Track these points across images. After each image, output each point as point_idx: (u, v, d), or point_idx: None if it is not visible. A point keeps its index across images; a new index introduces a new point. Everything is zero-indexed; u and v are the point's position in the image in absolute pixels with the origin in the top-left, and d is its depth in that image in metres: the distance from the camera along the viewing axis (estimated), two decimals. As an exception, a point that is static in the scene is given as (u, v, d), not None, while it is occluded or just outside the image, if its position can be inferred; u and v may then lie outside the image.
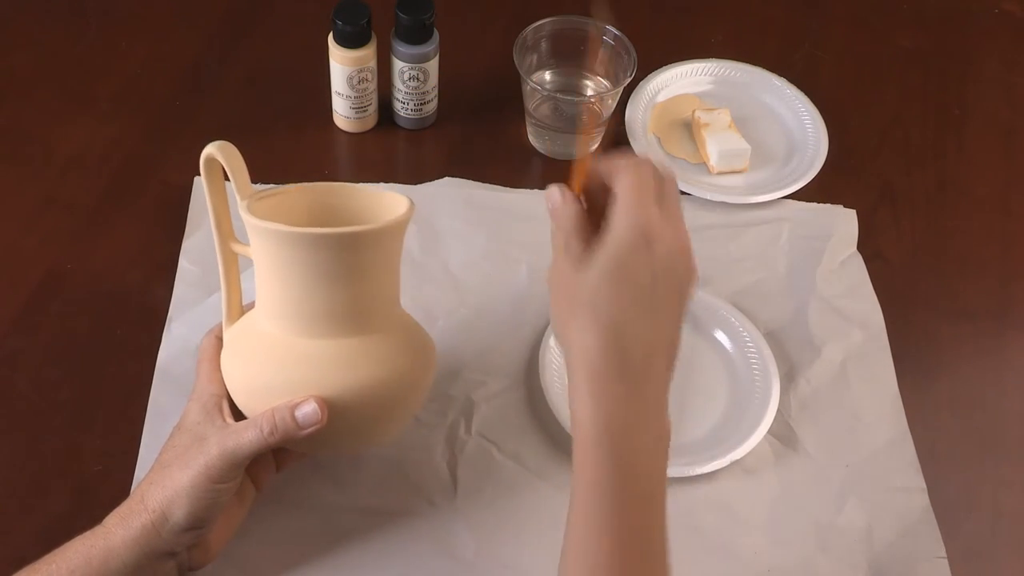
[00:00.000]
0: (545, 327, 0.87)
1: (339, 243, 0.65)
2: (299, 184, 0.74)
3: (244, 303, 0.75)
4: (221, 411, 0.68)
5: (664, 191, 0.64)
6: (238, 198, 0.68)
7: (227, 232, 0.72)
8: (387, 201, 0.73)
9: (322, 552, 0.75)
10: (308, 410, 0.64)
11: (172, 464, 0.66)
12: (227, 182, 0.71)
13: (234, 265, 0.73)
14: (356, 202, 0.74)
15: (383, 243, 0.68)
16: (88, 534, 0.65)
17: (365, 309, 0.68)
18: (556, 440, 0.82)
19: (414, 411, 0.73)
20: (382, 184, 0.97)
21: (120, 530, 0.65)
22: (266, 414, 0.65)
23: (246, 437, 0.65)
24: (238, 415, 0.69)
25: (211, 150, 0.68)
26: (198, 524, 0.65)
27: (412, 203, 0.70)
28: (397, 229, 0.69)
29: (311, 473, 0.78)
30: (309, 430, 0.64)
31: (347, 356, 0.67)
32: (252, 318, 0.71)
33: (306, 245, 0.65)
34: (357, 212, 0.73)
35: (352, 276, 0.66)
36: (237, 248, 0.72)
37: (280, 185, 0.74)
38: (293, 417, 0.64)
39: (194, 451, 0.66)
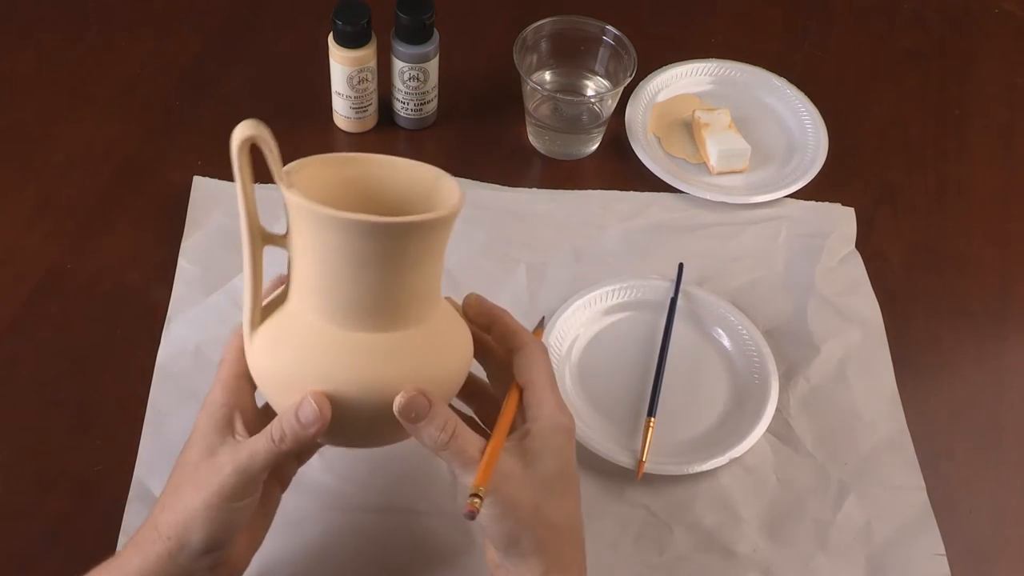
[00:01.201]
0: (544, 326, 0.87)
1: (414, 230, 0.61)
2: (325, 156, 0.68)
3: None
4: (231, 424, 0.64)
5: None
6: (282, 186, 0.62)
7: (256, 222, 0.65)
8: (421, 173, 0.68)
9: (323, 550, 0.75)
10: (307, 409, 0.60)
11: (184, 485, 0.62)
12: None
13: (261, 260, 0.65)
14: (392, 173, 0.68)
15: (445, 229, 0.64)
16: (104, 565, 0.63)
17: (413, 300, 0.64)
18: (556, 439, 0.82)
19: (454, 395, 0.69)
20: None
21: (136, 559, 0.62)
22: (275, 422, 0.61)
23: (259, 449, 0.61)
24: (252, 427, 0.64)
25: (250, 131, 0.62)
26: (216, 547, 0.62)
27: (462, 192, 0.65)
28: (450, 219, 0.64)
29: (313, 472, 0.78)
30: (313, 429, 0.60)
31: (410, 347, 0.63)
32: (289, 314, 0.65)
33: (373, 233, 0.60)
34: (397, 185, 0.68)
35: (412, 265, 0.63)
36: (269, 240, 0.65)
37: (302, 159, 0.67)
38: (297, 419, 0.60)
39: (205, 470, 0.61)
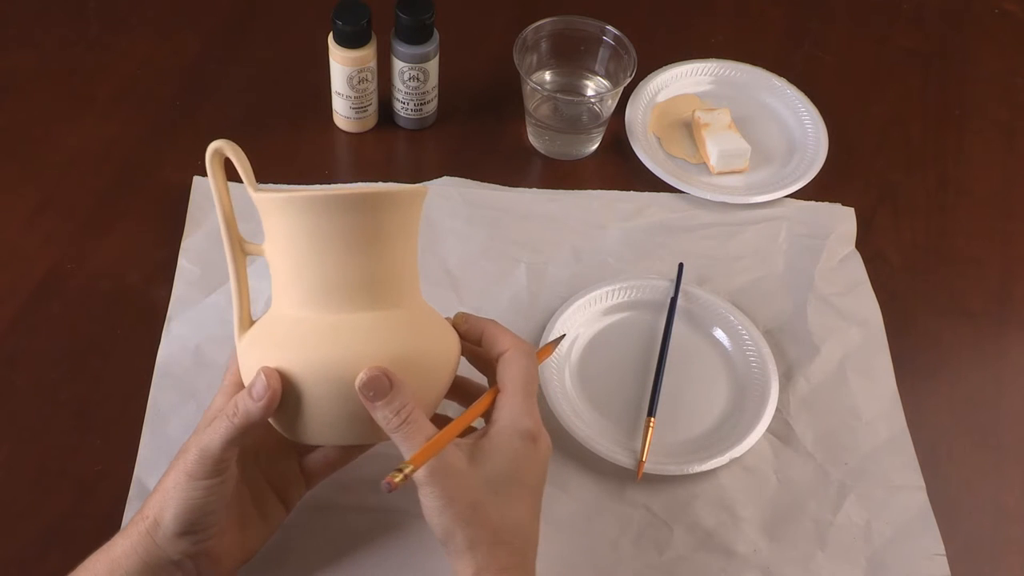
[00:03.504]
0: (544, 325, 0.87)
1: (366, 204, 0.65)
2: (300, 188, 0.74)
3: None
4: None
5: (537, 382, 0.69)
6: (249, 189, 0.67)
7: (235, 232, 0.70)
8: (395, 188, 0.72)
9: (321, 550, 0.75)
10: (258, 383, 0.63)
11: (166, 472, 0.66)
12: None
13: (244, 268, 0.71)
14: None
15: (404, 209, 0.67)
16: (97, 551, 0.66)
17: (393, 281, 0.67)
18: (555, 438, 0.81)
19: (443, 391, 0.70)
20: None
21: (122, 539, 0.65)
22: (230, 400, 0.65)
23: (217, 428, 0.64)
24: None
25: (219, 144, 0.68)
26: (188, 528, 0.64)
27: (425, 188, 0.69)
28: (415, 197, 0.68)
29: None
30: (263, 402, 0.63)
31: (385, 327, 0.65)
32: (271, 314, 0.69)
33: (334, 208, 0.64)
34: None
35: (376, 244, 0.66)
36: (248, 248, 0.71)
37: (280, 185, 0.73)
38: (249, 394, 0.64)
39: (179, 454, 0.66)
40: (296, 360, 0.64)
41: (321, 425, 0.66)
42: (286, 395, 0.64)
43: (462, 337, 0.70)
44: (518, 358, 0.68)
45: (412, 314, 0.68)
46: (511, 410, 0.66)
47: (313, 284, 0.66)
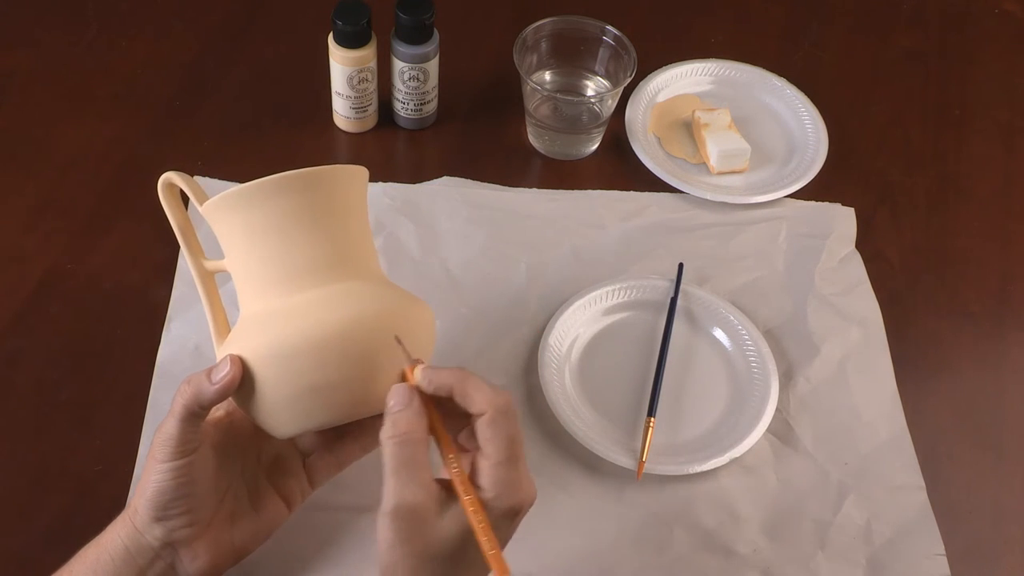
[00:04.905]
0: (544, 325, 0.87)
1: (303, 183, 0.67)
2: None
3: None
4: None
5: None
6: (196, 205, 0.71)
7: (196, 248, 0.75)
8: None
9: (322, 551, 0.75)
10: (220, 367, 0.65)
11: None
12: None
13: (212, 283, 0.76)
14: None
15: (343, 185, 0.70)
16: (91, 541, 0.68)
17: (342, 258, 0.69)
18: (555, 438, 0.82)
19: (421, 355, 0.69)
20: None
21: (110, 528, 0.67)
22: (183, 380, 0.66)
23: (171, 409, 0.65)
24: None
25: (168, 175, 0.73)
26: (160, 512, 0.65)
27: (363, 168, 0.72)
28: (356, 175, 0.71)
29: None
30: (217, 385, 0.64)
31: (336, 297, 0.67)
32: (239, 318, 0.71)
33: (275, 192, 0.67)
34: None
35: (322, 220, 0.68)
36: (209, 265, 0.75)
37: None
38: (208, 377, 0.65)
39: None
40: (258, 345, 0.65)
41: (292, 409, 0.66)
42: (252, 383, 0.65)
43: (430, 394, 0.64)
44: (500, 421, 0.61)
45: (368, 284, 0.69)
46: (494, 482, 0.60)
47: (264, 273, 0.68)
